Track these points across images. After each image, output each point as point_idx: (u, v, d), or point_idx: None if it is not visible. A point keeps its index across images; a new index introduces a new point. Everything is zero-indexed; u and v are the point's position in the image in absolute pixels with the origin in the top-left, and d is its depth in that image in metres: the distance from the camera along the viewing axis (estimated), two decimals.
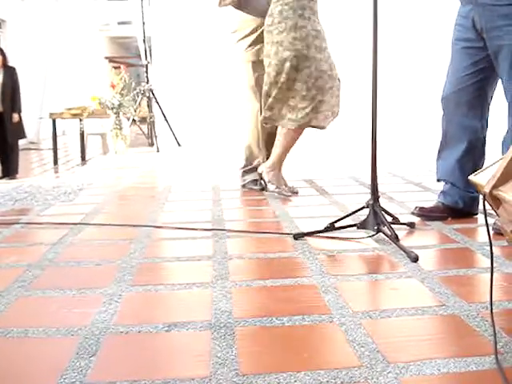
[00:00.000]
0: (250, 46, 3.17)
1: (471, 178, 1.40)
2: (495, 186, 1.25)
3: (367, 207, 2.15)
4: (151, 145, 6.93)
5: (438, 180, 2.50)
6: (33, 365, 1.19)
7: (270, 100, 2.96)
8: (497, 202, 1.28)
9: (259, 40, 3.10)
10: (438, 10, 8.23)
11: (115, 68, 7.19)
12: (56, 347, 1.27)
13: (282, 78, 2.89)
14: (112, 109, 6.21)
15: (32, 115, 9.57)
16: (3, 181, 5.25)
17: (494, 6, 2.13)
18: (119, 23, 14.79)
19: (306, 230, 2.25)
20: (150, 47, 8.50)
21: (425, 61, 8.82)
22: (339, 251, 1.99)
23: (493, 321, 1.26)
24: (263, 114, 3.02)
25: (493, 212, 1.41)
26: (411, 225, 2.29)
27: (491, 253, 1.30)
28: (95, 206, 2.93)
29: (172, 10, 9.58)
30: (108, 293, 1.60)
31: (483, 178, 1.33)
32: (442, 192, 2.48)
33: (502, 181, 1.25)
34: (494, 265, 1.77)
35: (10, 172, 6.30)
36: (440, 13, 7.66)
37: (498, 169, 1.26)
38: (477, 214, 2.45)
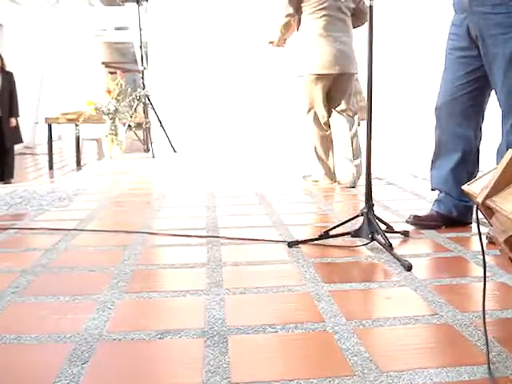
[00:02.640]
0: None
1: (464, 187, 1.40)
2: (488, 196, 1.26)
3: (361, 215, 2.16)
4: (147, 151, 6.92)
5: (433, 189, 2.51)
6: (25, 371, 1.19)
7: None
8: (490, 211, 1.28)
9: None
10: (433, 17, 8.29)
11: (111, 73, 7.18)
12: (48, 354, 1.27)
13: None
14: (108, 114, 6.20)
15: (28, 120, 9.56)
16: None
17: (488, 15, 2.12)
18: (116, 29, 14.85)
19: (300, 238, 2.25)
20: (146, 53, 8.52)
21: (418, 69, 8.87)
22: (333, 259, 1.99)
23: (485, 330, 1.26)
24: None
25: (486, 221, 1.42)
26: (405, 233, 2.30)
27: (484, 262, 1.31)
28: (90, 211, 2.92)
29: (169, 16, 9.61)
30: (101, 299, 1.60)
31: (476, 188, 1.33)
32: (436, 201, 2.49)
33: (495, 190, 1.25)
34: (487, 274, 1.77)
35: (5, 177, 6.30)
36: (435, 20, 7.70)
37: (491, 179, 1.27)
38: (471, 223, 2.46)
